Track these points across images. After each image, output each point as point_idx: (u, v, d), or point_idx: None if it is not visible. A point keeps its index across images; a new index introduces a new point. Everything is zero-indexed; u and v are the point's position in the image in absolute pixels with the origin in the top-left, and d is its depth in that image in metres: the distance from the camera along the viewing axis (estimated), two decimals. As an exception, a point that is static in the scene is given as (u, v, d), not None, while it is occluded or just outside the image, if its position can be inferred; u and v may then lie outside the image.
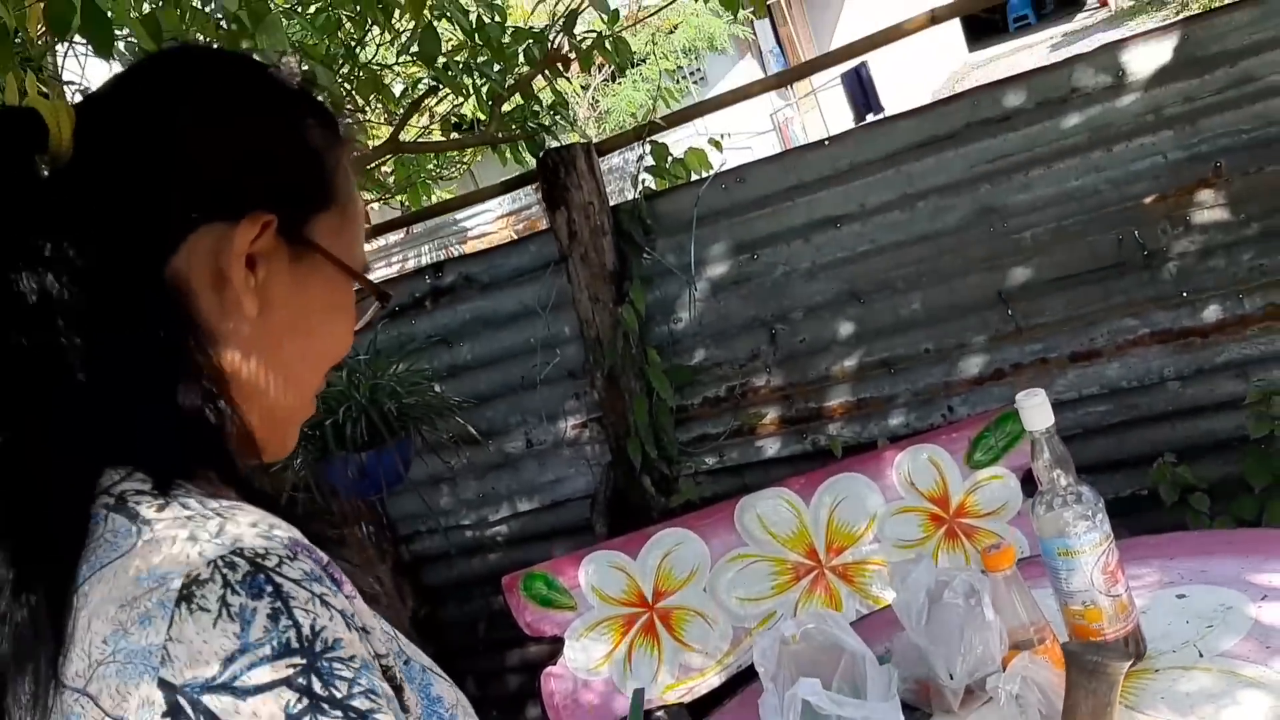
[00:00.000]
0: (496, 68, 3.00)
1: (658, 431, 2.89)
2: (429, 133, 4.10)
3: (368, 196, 3.79)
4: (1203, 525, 2.38)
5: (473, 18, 2.92)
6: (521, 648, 3.14)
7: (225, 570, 0.53)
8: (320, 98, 0.75)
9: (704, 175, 2.90)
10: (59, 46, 2.16)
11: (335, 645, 0.54)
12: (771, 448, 2.89)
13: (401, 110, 3.27)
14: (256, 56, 0.85)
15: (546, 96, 3.32)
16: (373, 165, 3.41)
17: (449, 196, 4.64)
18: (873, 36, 2.80)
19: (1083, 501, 1.24)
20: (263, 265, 0.66)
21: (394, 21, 2.86)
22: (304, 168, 0.69)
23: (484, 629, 3.27)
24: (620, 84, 12.88)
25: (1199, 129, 2.38)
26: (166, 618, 0.52)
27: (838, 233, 2.70)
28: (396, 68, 3.69)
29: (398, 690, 0.60)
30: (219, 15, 2.25)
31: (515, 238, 5.93)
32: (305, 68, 2.42)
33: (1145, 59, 2.39)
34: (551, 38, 3.01)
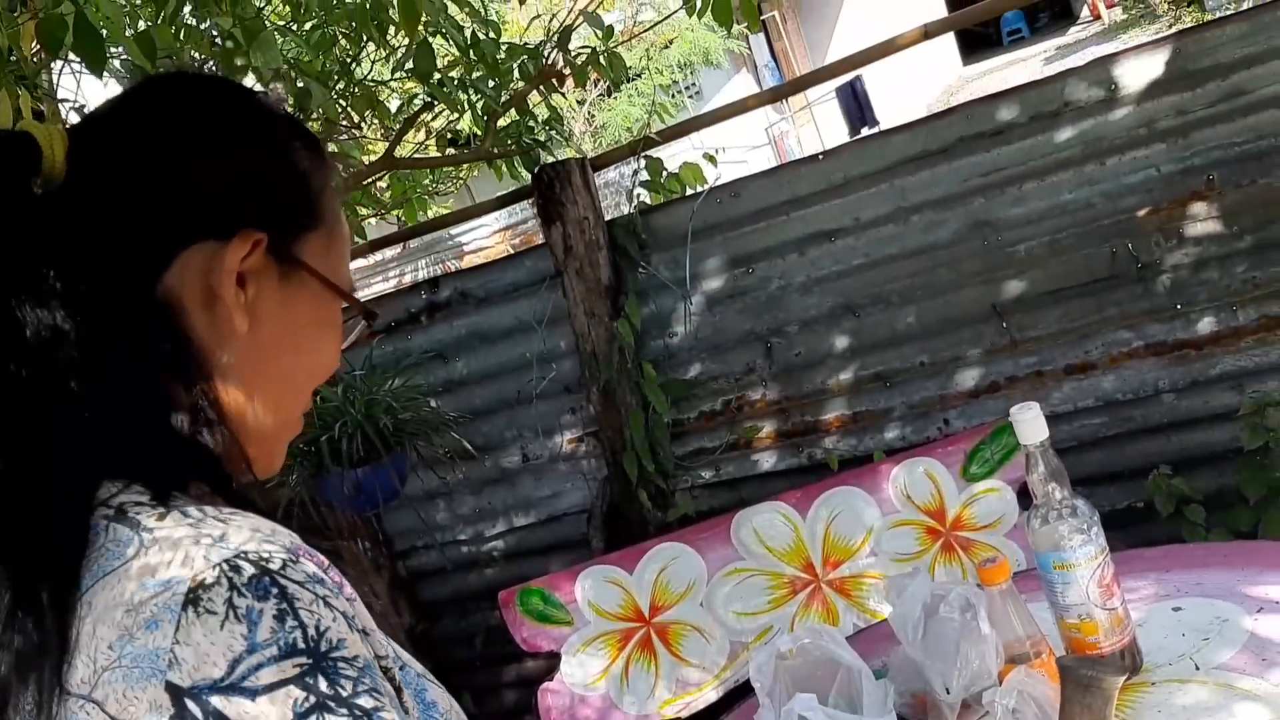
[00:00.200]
0: (492, 83, 3.00)
1: (654, 446, 2.89)
2: (425, 148, 4.12)
3: (364, 212, 3.79)
4: (1198, 537, 2.38)
5: (468, 34, 2.93)
6: (518, 663, 3.13)
7: (231, 573, 0.54)
8: (315, 114, 0.77)
9: (699, 190, 2.91)
10: (54, 64, 2.16)
11: (340, 645, 0.55)
12: (767, 461, 2.88)
13: (397, 126, 3.28)
14: (251, 73, 0.87)
15: (542, 112, 3.33)
16: (368, 181, 3.42)
17: (445, 212, 4.65)
18: (867, 51, 2.82)
19: (1078, 514, 1.25)
20: (253, 283, 0.68)
21: (389, 38, 2.86)
22: (292, 189, 0.72)
23: (480, 644, 3.26)
24: (615, 99, 12.95)
25: (1191, 142, 2.39)
26: (173, 621, 0.53)
27: (832, 246, 2.70)
28: (392, 84, 3.71)
29: (397, 691, 0.62)
30: (214, 33, 2.26)
31: (511, 252, 5.94)
32: (300, 85, 2.42)
33: (1138, 73, 2.40)
34: (546, 53, 3.02)
